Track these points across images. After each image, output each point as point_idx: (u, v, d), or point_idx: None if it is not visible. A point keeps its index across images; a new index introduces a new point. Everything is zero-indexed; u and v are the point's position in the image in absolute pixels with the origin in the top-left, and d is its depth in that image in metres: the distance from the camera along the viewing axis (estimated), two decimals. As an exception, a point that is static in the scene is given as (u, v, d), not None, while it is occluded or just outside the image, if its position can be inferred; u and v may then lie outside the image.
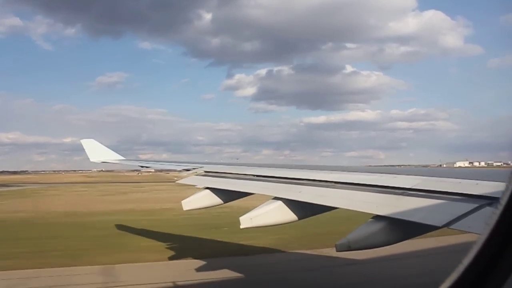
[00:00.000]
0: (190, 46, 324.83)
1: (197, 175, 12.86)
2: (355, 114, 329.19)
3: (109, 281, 16.80)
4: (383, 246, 5.94)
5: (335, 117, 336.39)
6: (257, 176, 10.28)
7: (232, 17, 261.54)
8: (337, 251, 5.86)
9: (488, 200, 5.05)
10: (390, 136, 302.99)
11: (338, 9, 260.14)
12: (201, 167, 13.42)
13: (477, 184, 5.66)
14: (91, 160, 19.82)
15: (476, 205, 5.06)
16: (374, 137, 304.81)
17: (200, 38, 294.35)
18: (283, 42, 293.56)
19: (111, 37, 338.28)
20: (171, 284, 16.02)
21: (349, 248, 5.77)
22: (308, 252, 21.21)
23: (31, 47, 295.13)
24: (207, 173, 12.50)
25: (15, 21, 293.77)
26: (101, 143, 20.74)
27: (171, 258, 20.43)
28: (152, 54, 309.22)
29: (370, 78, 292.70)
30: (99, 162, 20.23)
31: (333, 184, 7.69)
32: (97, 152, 20.05)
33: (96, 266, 19.00)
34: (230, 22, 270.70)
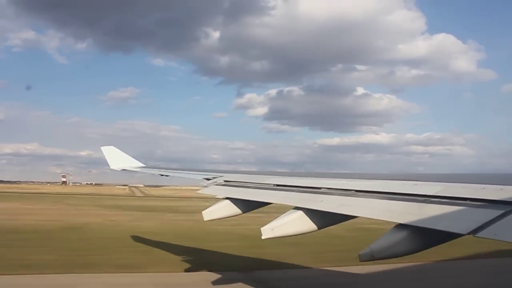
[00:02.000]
0: (199, 64, 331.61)
1: (217, 184, 12.89)
2: (369, 137, 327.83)
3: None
4: (406, 255, 5.86)
5: (349, 139, 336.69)
6: (277, 185, 10.27)
7: (239, 36, 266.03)
8: (360, 260, 5.81)
9: (515, 206, 4.93)
10: (406, 160, 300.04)
11: (345, 30, 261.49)
12: (221, 176, 13.45)
13: (501, 189, 5.54)
14: (112, 167, 19.76)
15: (502, 211, 4.95)
16: (390, 160, 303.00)
17: (209, 56, 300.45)
18: (292, 63, 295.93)
19: (121, 52, 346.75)
20: None
21: (373, 258, 5.72)
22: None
23: (46, 60, 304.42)
24: (227, 183, 12.53)
25: (30, 34, 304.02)
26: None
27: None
28: (163, 70, 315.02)
29: (382, 101, 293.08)
30: (120, 169, 19.98)
31: (354, 192, 7.64)
32: (118, 159, 19.96)
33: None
34: (238, 41, 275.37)
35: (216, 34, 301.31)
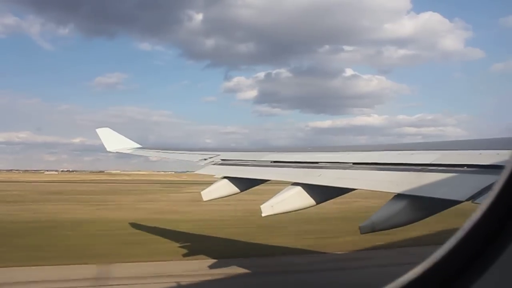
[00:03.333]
0: (184, 47, 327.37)
1: (214, 164, 12.85)
2: (361, 119, 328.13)
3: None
4: (407, 224, 5.90)
5: (340, 121, 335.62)
6: (275, 162, 10.27)
7: (222, 17, 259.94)
8: (361, 233, 5.84)
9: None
10: (399, 142, 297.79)
11: (328, 10, 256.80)
12: (217, 155, 13.40)
13: (498, 154, 5.55)
14: (108, 149, 19.64)
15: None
16: (383, 142, 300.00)
17: (193, 39, 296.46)
18: (278, 44, 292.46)
19: (104, 37, 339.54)
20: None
21: (373, 230, 5.75)
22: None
23: (31, 47, 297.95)
24: (224, 161, 12.49)
25: (14, 20, 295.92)
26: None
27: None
28: (149, 55, 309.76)
29: (372, 82, 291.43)
30: (116, 151, 19.86)
31: (351, 165, 7.65)
32: (114, 141, 19.82)
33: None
34: (221, 23, 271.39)
35: (199, 16, 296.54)
